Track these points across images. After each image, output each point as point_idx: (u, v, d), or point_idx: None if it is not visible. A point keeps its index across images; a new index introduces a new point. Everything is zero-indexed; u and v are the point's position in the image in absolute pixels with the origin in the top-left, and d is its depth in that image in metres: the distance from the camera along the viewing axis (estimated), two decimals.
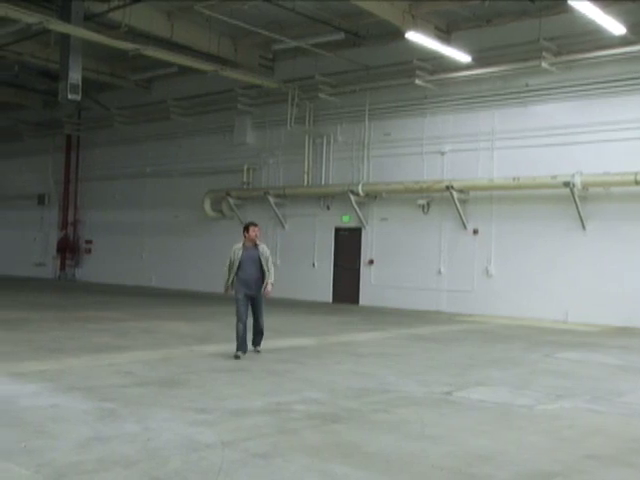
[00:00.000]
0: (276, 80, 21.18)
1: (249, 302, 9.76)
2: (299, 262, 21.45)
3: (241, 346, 9.58)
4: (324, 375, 8.45)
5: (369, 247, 20.18)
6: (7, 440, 5.11)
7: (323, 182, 21.01)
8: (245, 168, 22.71)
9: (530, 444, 5.55)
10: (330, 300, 20.65)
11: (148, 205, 25.70)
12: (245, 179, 22.75)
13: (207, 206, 23.25)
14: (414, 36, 16.08)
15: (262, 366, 8.94)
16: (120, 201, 26.64)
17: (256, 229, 9.84)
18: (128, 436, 5.32)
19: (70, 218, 28.56)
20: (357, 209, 19.88)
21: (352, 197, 19.64)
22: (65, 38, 16.59)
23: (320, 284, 20.90)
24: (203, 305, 18.63)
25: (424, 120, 19.14)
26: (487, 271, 17.83)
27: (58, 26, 15.95)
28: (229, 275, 9.74)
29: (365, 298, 20.06)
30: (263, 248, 9.84)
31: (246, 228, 9.86)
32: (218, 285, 22.75)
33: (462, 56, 17.15)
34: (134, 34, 18.11)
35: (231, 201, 22.73)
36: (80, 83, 16.61)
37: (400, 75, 19.00)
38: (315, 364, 9.29)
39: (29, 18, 15.49)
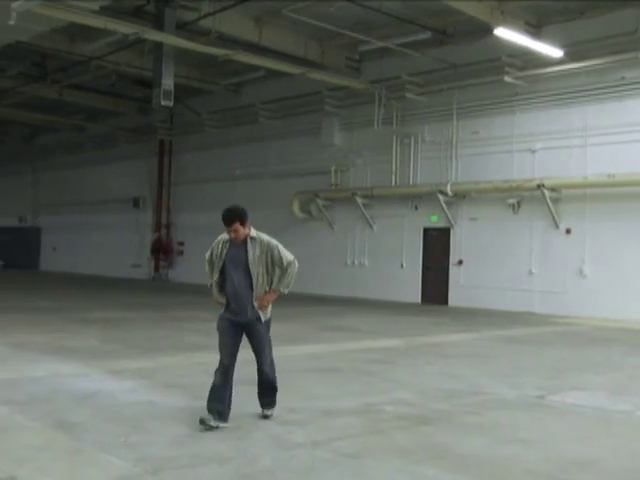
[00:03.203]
0: (363, 81, 21.18)
1: (239, 334, 5.97)
2: (387, 263, 21.37)
3: (213, 406, 5.68)
4: (414, 376, 8.40)
5: (458, 247, 19.91)
6: (108, 434, 5.32)
7: (411, 182, 20.87)
8: (333, 169, 22.80)
9: (629, 452, 5.36)
10: (419, 301, 20.49)
11: None
12: (333, 180, 22.85)
13: (296, 207, 23.47)
14: (503, 32, 15.77)
15: (352, 366, 8.96)
16: (211, 203, 27.15)
17: (234, 227, 5.83)
18: (220, 434, 5.44)
19: (163, 220, 29.39)
20: (445, 209, 19.65)
21: (440, 197, 19.43)
22: (158, 47, 17.11)
23: (408, 285, 20.76)
24: (293, 305, 18.78)
25: (514, 117, 18.73)
26: (581, 271, 17.29)
27: (152, 35, 16.46)
28: (210, 277, 6.10)
29: (454, 299, 19.80)
30: (261, 243, 5.89)
31: (223, 220, 5.89)
32: (307, 286, 23.17)
33: (553, 51, 16.69)
34: (224, 40, 18.49)
35: (319, 202, 22.87)
36: (172, 89, 17.08)
37: (489, 72, 18.66)
38: (405, 365, 9.24)
39: (126, 29, 16.06)
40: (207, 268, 6.19)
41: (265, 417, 6.04)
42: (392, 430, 5.74)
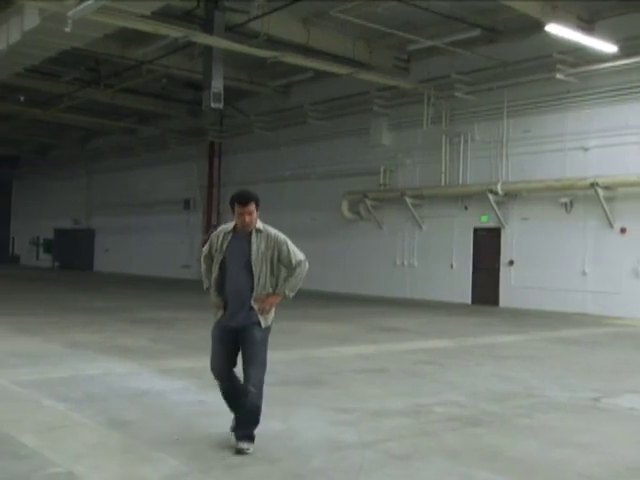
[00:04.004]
0: (411, 80, 21.08)
1: (231, 342, 5.16)
2: (437, 263, 21.23)
3: (234, 414, 5.28)
4: (464, 377, 8.32)
5: (509, 247, 19.66)
6: (160, 432, 5.41)
7: (461, 182, 20.68)
8: (382, 170, 22.75)
9: None
10: (469, 301, 20.29)
11: (287, 208, 26.26)
12: (382, 181, 22.79)
13: (345, 208, 23.48)
14: (554, 28, 15.51)
15: (401, 367, 8.92)
16: (260, 205, 27.37)
17: (250, 209, 5.12)
18: (272, 433, 5.47)
19: (213, 221, 29.68)
20: (496, 209, 19.42)
21: (491, 197, 19.21)
22: (208, 49, 17.30)
23: (458, 285, 20.58)
24: (343, 306, 18.83)
25: (566, 115, 18.41)
26: (636, 271, 16.89)
27: (202, 38, 16.65)
28: (206, 278, 5.39)
29: (505, 299, 19.55)
30: (268, 237, 5.17)
31: (232, 203, 5.19)
32: (356, 286, 23.17)
33: (607, 46, 16.34)
34: (272, 42, 18.61)
35: (368, 203, 22.83)
36: (222, 92, 17.25)
37: (540, 70, 18.38)
38: (455, 366, 9.16)
39: (176, 33, 16.29)
40: (203, 266, 5.37)
41: (239, 452, 4.88)
42: (442, 431, 5.70)
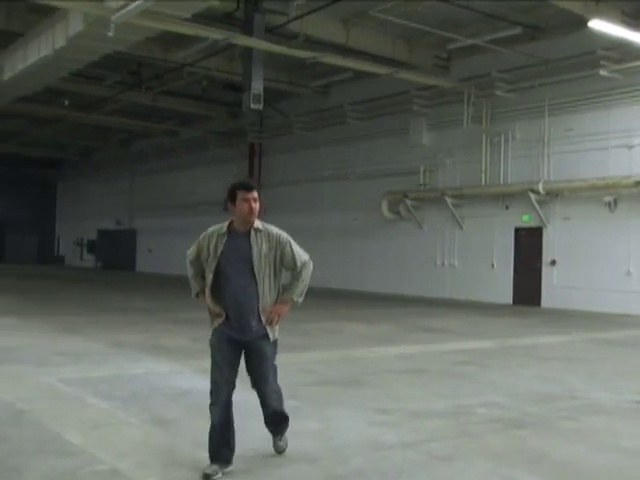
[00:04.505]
0: (452, 80, 20.93)
1: (239, 355, 4.64)
2: (477, 263, 21.06)
3: (219, 453, 4.51)
4: (506, 378, 8.24)
5: (551, 247, 19.40)
6: (202, 431, 5.43)
7: (501, 181, 20.48)
8: (421, 169, 22.65)
9: None
10: (510, 302, 20.07)
11: (327, 208, 26.31)
12: (422, 180, 22.69)
13: (385, 208, 23.42)
14: (598, 24, 15.26)
15: (442, 368, 8.87)
16: (300, 205, 27.47)
17: (254, 195, 4.50)
18: (311, 433, 5.49)
19: None
20: (538, 208, 19.18)
21: (532, 196, 18.99)
22: (248, 51, 17.40)
23: (499, 285, 20.38)
24: (383, 306, 18.78)
25: (610, 113, 18.09)
26: None
27: (242, 40, 16.76)
28: (196, 283, 4.75)
29: (547, 300, 19.29)
30: (270, 236, 4.57)
31: (233, 192, 4.52)
32: (396, 286, 23.12)
33: None
34: (311, 42, 18.65)
35: (408, 203, 22.75)
36: (262, 93, 17.34)
37: (583, 67, 18.11)
38: (496, 367, 9.08)
39: (216, 35, 16.43)
40: (191, 272, 4.71)
41: (279, 453, 4.88)
42: (484, 433, 5.65)
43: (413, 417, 6.14)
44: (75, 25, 15.55)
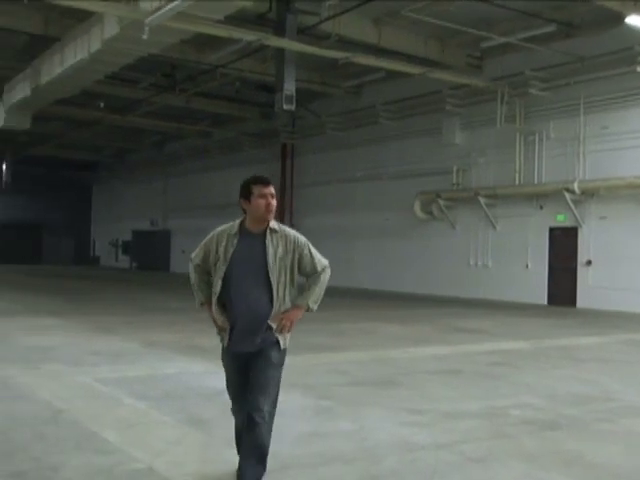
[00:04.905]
0: (485, 79, 20.78)
1: (243, 368, 4.17)
2: (511, 263, 20.87)
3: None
4: (541, 380, 8.16)
5: (586, 247, 19.15)
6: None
7: (536, 181, 20.28)
8: (454, 169, 22.52)
9: None
10: (545, 302, 19.86)
11: (359, 208, 26.29)
12: (455, 180, 22.56)
13: (417, 208, 23.34)
14: (636, 20, 15.03)
15: (476, 369, 8.81)
16: (332, 205, 27.50)
17: (271, 190, 4.13)
18: (345, 433, 5.49)
19: (286, 222, 29.95)
20: (573, 208, 18.94)
21: (567, 195, 18.76)
22: (280, 52, 17.46)
23: (534, 285, 20.17)
24: (416, 307, 18.72)
25: None
26: None
27: (274, 41, 16.83)
28: (200, 291, 4.31)
29: (583, 300, 19.05)
30: (287, 239, 4.16)
31: (247, 187, 4.17)
32: (429, 287, 23.02)
33: None
34: (344, 42, 18.65)
35: (441, 203, 22.64)
36: (294, 93, 17.39)
37: (619, 64, 17.84)
38: (531, 368, 8.99)
39: (249, 36, 16.52)
40: (194, 278, 4.27)
41: None
42: (518, 434, 5.60)
43: (446, 418, 6.11)
44: (110, 28, 15.76)
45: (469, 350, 10.52)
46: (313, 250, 4.22)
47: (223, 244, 4.10)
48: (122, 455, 4.82)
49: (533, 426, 5.90)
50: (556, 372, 8.78)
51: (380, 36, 18.80)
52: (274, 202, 4.10)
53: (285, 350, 4.18)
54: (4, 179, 39.83)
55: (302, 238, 4.19)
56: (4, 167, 39.86)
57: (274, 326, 4.08)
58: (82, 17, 17.02)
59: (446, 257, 22.77)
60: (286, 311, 4.13)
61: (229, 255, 4.06)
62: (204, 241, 4.24)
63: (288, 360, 4.31)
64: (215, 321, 4.19)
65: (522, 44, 18.86)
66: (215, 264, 4.12)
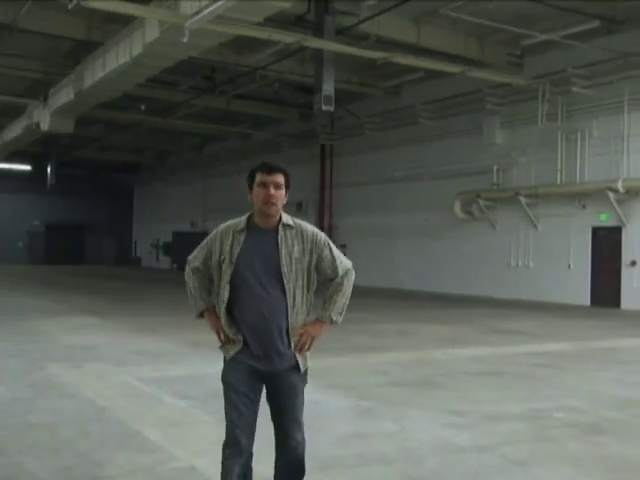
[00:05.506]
0: (526, 77, 20.52)
1: (259, 393, 3.53)
2: (553, 264, 20.59)
3: None
4: (584, 382, 8.04)
5: (630, 247, 18.79)
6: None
7: (578, 180, 19.97)
8: (495, 169, 22.30)
9: None
10: (587, 303, 19.55)
11: (399, 209, 26.20)
12: (495, 180, 22.34)
13: (457, 208, 23.17)
14: None
15: (517, 370, 8.72)
16: (371, 206, 27.45)
17: (278, 180, 3.51)
18: (385, 434, 5.49)
19: (325, 223, 29.98)
20: (617, 207, 18.61)
21: (610, 194, 18.44)
22: (319, 53, 17.47)
23: (576, 286, 19.87)
24: (456, 307, 18.59)
25: None
26: None
27: (313, 43, 16.85)
28: (200, 298, 3.68)
29: (627, 301, 18.71)
30: (304, 235, 3.52)
31: (251, 175, 3.54)
32: (469, 287, 22.83)
33: None
34: (382, 42, 18.60)
35: (481, 203, 22.44)
36: (333, 94, 17.39)
37: None
38: (574, 370, 8.87)
39: (288, 38, 16.57)
40: (193, 283, 3.63)
41: None
42: (561, 438, 5.53)
43: (488, 420, 6.06)
44: (151, 32, 15.95)
45: (510, 351, 10.42)
46: (335, 250, 3.56)
47: (229, 242, 3.47)
48: (164, 453, 4.89)
49: (576, 429, 5.82)
50: (599, 374, 8.65)
51: (419, 35, 18.71)
52: (279, 193, 3.44)
53: (306, 370, 3.54)
54: (48, 181, 40.57)
55: (322, 235, 3.54)
56: (48, 170, 40.60)
57: (294, 343, 3.44)
58: (124, 22, 17.28)
59: (486, 257, 22.57)
60: (305, 325, 3.48)
61: (235, 254, 3.42)
62: (205, 240, 3.64)
63: (330, 361, 4.32)
64: (219, 333, 3.54)
65: (564, 41, 18.59)
66: (220, 266, 3.47)
